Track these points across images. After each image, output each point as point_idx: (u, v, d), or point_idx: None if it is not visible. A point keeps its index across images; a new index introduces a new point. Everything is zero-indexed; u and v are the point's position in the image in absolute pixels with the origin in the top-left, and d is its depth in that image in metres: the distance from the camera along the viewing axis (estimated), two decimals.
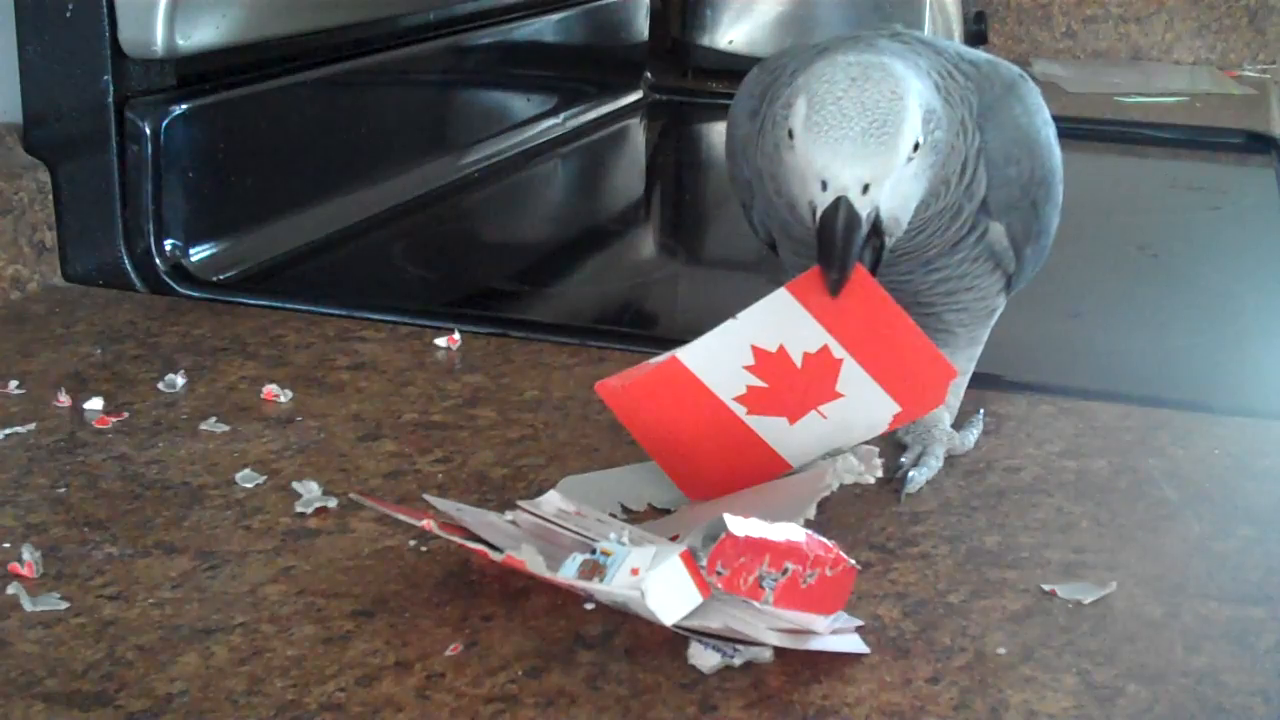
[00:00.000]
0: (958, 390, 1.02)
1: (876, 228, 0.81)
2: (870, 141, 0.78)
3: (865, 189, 0.79)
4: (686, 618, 0.73)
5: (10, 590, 0.79)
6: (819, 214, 0.80)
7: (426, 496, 0.89)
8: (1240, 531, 0.90)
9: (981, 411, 1.04)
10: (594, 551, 0.76)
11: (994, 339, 1.00)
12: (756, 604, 0.73)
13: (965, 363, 1.02)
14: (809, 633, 0.74)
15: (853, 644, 0.75)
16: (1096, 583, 0.83)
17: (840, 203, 0.79)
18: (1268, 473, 0.99)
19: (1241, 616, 0.80)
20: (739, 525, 0.73)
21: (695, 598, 0.72)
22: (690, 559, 0.72)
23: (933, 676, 0.73)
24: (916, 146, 0.80)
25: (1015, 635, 0.77)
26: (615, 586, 0.73)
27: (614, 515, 0.88)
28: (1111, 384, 1.16)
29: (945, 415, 0.99)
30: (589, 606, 0.79)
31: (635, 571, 0.73)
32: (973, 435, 1.01)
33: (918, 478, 0.94)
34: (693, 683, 0.72)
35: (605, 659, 0.74)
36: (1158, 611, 0.80)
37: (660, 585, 0.72)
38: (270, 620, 0.77)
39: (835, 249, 0.80)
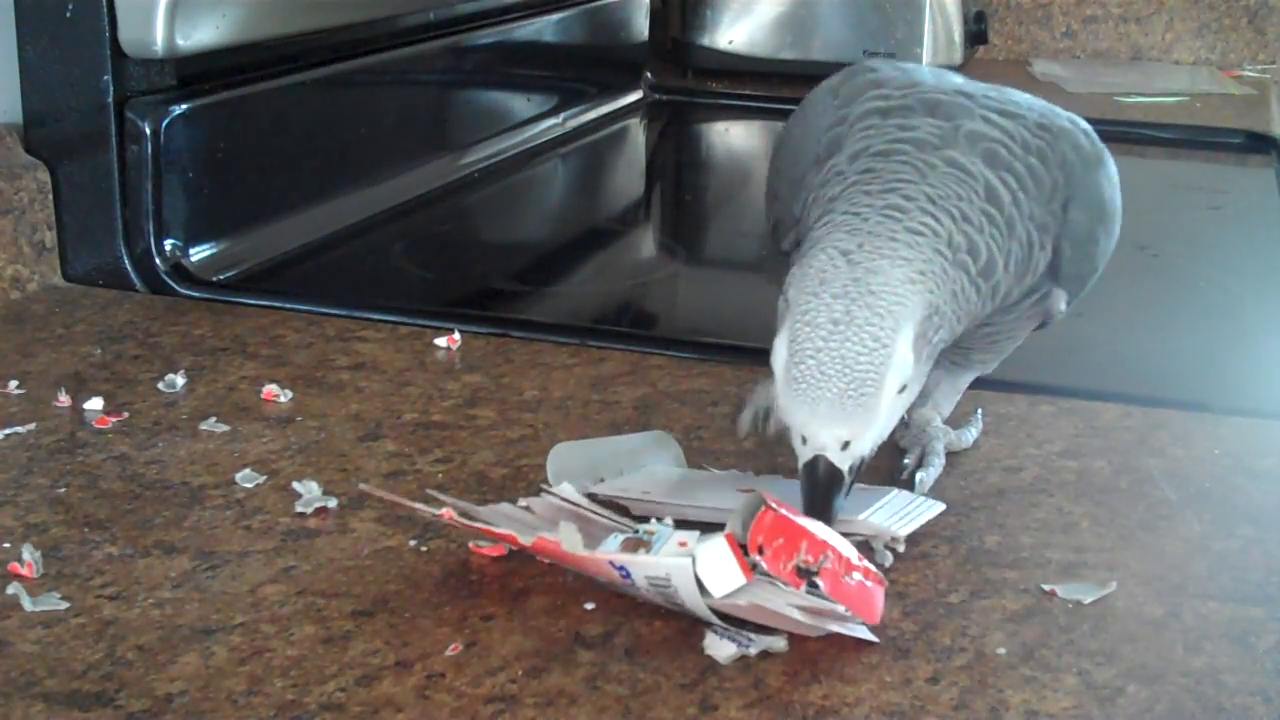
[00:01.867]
0: (951, 398, 1.02)
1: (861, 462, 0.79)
2: (849, 404, 0.76)
3: (845, 445, 0.77)
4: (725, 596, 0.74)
5: (10, 590, 0.79)
6: (800, 463, 0.79)
7: (433, 493, 0.89)
8: (1240, 531, 0.90)
9: (980, 411, 1.04)
10: (636, 531, 0.77)
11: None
12: (797, 590, 0.74)
13: (966, 381, 1.02)
14: (829, 614, 0.74)
15: (865, 632, 0.76)
16: (1096, 583, 0.83)
17: (819, 461, 0.78)
18: (1268, 473, 0.99)
19: (1241, 616, 0.80)
20: (777, 504, 0.75)
21: (739, 578, 0.73)
22: (734, 541, 0.74)
23: (933, 676, 0.73)
24: (904, 388, 0.78)
25: (1015, 635, 0.77)
26: (664, 556, 0.74)
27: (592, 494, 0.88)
28: (1111, 384, 1.16)
29: (934, 415, 0.99)
30: (589, 606, 0.79)
31: (683, 544, 0.74)
32: (971, 434, 1.01)
33: (926, 478, 0.94)
34: (693, 683, 0.72)
35: (605, 659, 0.74)
36: (1158, 611, 0.80)
37: (708, 558, 0.73)
38: (270, 620, 0.77)
39: (815, 501, 0.78)
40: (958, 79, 0.94)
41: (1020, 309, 0.92)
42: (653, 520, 0.79)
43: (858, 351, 0.76)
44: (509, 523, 0.82)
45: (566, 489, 0.84)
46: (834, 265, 0.78)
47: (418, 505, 0.85)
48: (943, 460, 0.96)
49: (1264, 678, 0.74)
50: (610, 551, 0.76)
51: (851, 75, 0.95)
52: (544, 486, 0.85)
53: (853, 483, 0.80)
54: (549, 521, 0.82)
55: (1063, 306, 0.93)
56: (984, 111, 0.88)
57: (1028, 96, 0.93)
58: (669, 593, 0.75)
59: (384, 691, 0.71)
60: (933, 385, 0.98)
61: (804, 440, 0.78)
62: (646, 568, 0.75)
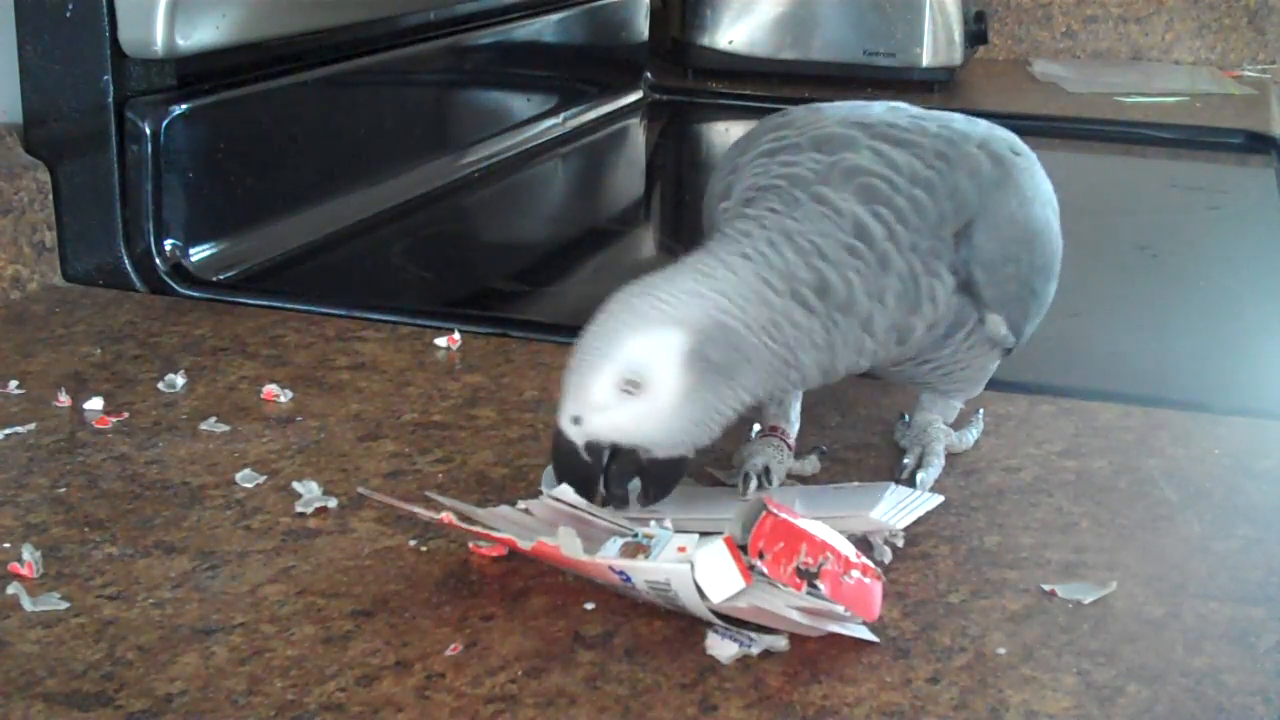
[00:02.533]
0: (952, 405, 1.01)
1: (627, 456, 0.82)
2: (575, 379, 0.82)
3: (577, 421, 0.82)
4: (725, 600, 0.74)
5: (10, 590, 0.79)
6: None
7: (432, 495, 0.89)
8: (1240, 531, 0.90)
9: (981, 411, 1.04)
10: (635, 535, 0.77)
11: None
12: (797, 592, 0.74)
13: (944, 405, 1.01)
14: (829, 615, 0.75)
15: (865, 632, 0.76)
16: (1096, 583, 0.83)
17: (557, 430, 0.83)
18: (1268, 473, 0.99)
19: (1241, 616, 0.80)
20: (777, 508, 0.75)
21: (739, 582, 0.74)
22: (733, 545, 0.74)
23: (933, 676, 0.73)
24: (636, 384, 0.81)
25: (1015, 635, 0.77)
26: (663, 561, 0.74)
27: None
28: (1111, 384, 1.16)
29: (937, 417, 0.99)
30: (589, 606, 0.79)
31: (683, 549, 0.75)
32: (972, 434, 1.02)
33: (925, 478, 0.94)
34: (693, 683, 0.72)
35: (605, 659, 0.74)
36: (1158, 611, 0.80)
37: (707, 563, 0.73)
38: (270, 620, 0.77)
39: (556, 469, 0.84)
40: (878, 109, 0.93)
41: (956, 340, 0.92)
42: (652, 523, 0.80)
43: (594, 343, 0.82)
44: (509, 527, 0.82)
45: (565, 491, 0.84)
46: (656, 273, 0.84)
47: (417, 509, 0.85)
48: (942, 461, 0.96)
49: (1264, 678, 0.74)
50: (610, 557, 0.76)
51: (764, 121, 0.97)
52: (545, 491, 0.85)
53: (616, 477, 0.82)
54: (548, 524, 0.82)
55: (1003, 331, 0.92)
56: (873, 144, 0.88)
57: (953, 125, 0.91)
58: (669, 596, 0.75)
59: (384, 691, 0.71)
60: (928, 404, 1.00)
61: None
62: (646, 573, 0.75)
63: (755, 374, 0.83)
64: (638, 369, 0.81)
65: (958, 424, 1.01)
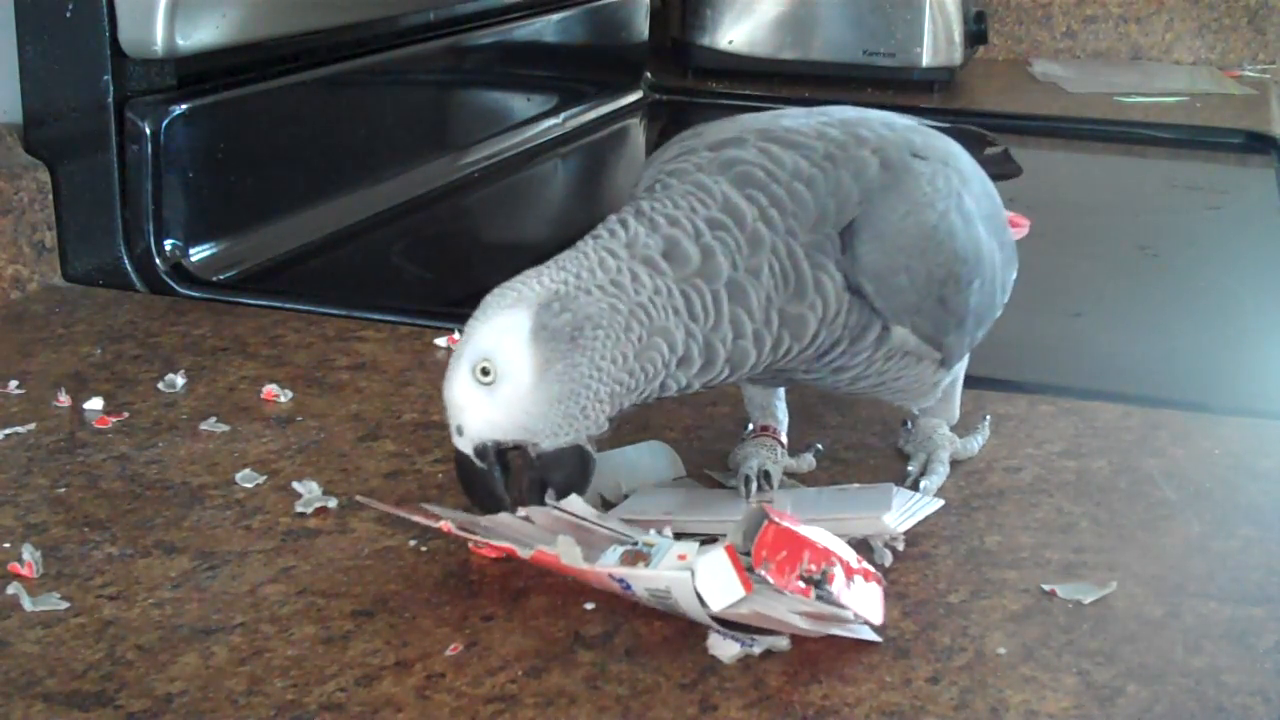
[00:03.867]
0: (952, 399, 1.00)
1: (521, 451, 0.82)
2: (452, 382, 0.82)
3: (460, 431, 0.82)
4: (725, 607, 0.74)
5: (10, 590, 0.79)
6: None
7: (428, 506, 0.89)
8: (1240, 531, 0.90)
9: (988, 418, 1.04)
10: (635, 544, 0.77)
11: (994, 339, 1.00)
12: (804, 598, 0.74)
13: (943, 389, 0.96)
14: (832, 618, 0.75)
15: (868, 633, 0.76)
16: (1096, 583, 0.83)
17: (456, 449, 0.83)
18: (1268, 473, 0.99)
19: (1241, 616, 0.80)
20: (779, 517, 0.75)
21: (739, 591, 0.73)
22: (734, 553, 0.74)
23: (933, 676, 0.73)
24: (486, 370, 0.80)
25: (1015, 635, 0.77)
26: (663, 569, 0.74)
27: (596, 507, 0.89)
28: (1111, 384, 1.16)
29: (940, 421, 0.99)
30: (589, 606, 0.79)
31: (683, 557, 0.74)
32: (977, 441, 1.01)
33: (929, 486, 0.93)
34: (693, 683, 0.72)
35: (605, 659, 0.74)
36: (1158, 611, 0.80)
37: (708, 571, 0.73)
38: (270, 620, 0.77)
39: (464, 489, 0.84)
40: (801, 119, 0.89)
41: (865, 347, 0.86)
42: (651, 531, 0.79)
43: (472, 347, 0.81)
44: (509, 535, 0.82)
45: (573, 502, 0.84)
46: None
47: (415, 518, 0.84)
48: (947, 468, 0.96)
49: (1264, 678, 0.74)
50: (610, 565, 0.76)
51: (679, 138, 0.93)
52: (549, 502, 0.85)
53: (517, 474, 0.82)
54: (549, 532, 0.82)
55: (913, 342, 0.87)
56: (762, 144, 0.86)
57: (860, 130, 0.87)
58: (669, 603, 0.75)
59: (384, 691, 0.71)
60: (927, 409, 0.98)
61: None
62: (646, 581, 0.75)
63: (608, 337, 0.80)
64: (484, 355, 0.80)
65: (963, 428, 1.01)
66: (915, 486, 0.94)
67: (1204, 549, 0.88)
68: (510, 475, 0.83)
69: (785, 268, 0.82)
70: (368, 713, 0.69)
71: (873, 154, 0.86)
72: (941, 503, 0.90)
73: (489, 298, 0.83)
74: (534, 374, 0.80)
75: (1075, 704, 0.71)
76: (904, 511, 0.88)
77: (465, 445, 0.82)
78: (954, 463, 0.98)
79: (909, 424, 1.02)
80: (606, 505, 0.90)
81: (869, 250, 0.83)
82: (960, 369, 0.99)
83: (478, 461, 0.82)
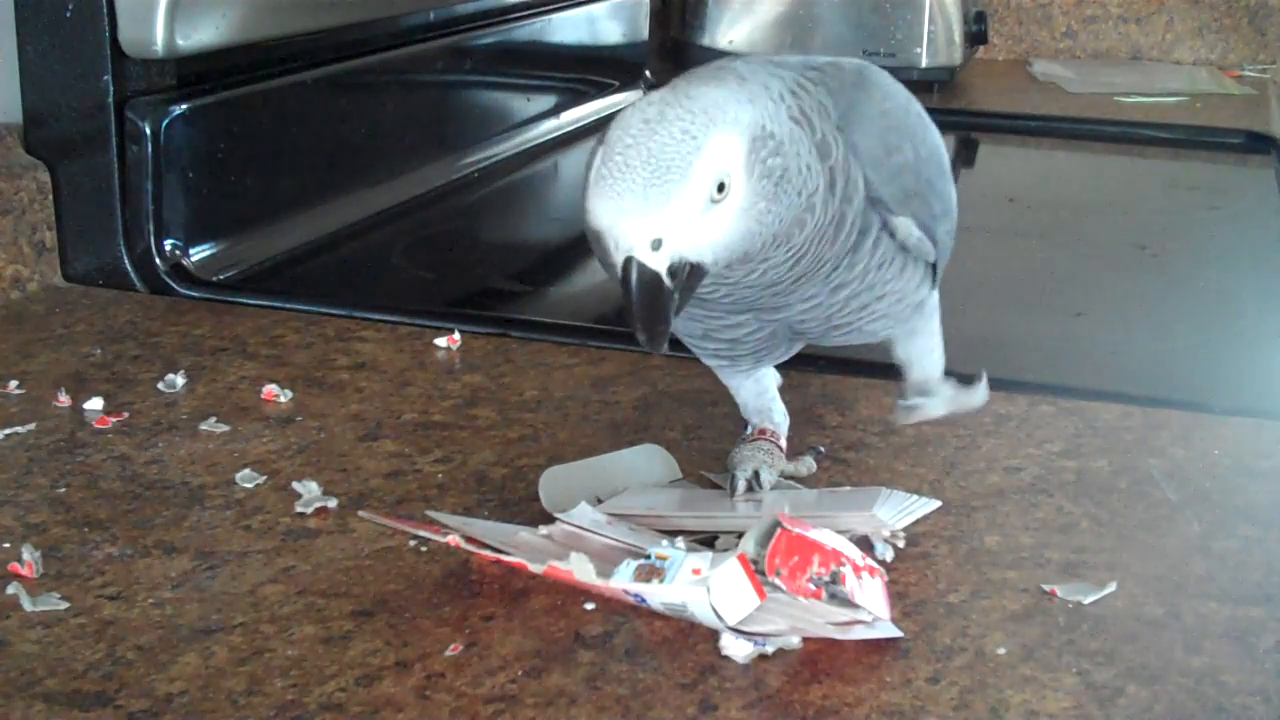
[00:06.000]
0: (930, 355, 0.97)
1: (696, 272, 0.75)
2: (653, 194, 0.72)
3: (657, 245, 0.73)
4: (752, 621, 0.74)
5: (10, 590, 0.79)
6: (617, 273, 0.74)
7: (435, 514, 0.89)
8: (1240, 531, 0.90)
9: (984, 373, 0.99)
10: (649, 556, 0.77)
11: (994, 339, 1.00)
12: (817, 601, 0.75)
13: (924, 344, 0.96)
14: (858, 623, 0.75)
15: (892, 629, 0.76)
16: (1096, 583, 0.83)
17: (630, 264, 0.73)
18: (1268, 473, 0.99)
19: (1241, 616, 0.80)
20: (791, 524, 0.75)
21: (754, 600, 0.73)
22: (746, 562, 0.74)
23: (933, 676, 0.73)
24: (723, 187, 0.74)
25: (1015, 635, 0.77)
26: (677, 586, 0.74)
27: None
28: (1111, 384, 1.16)
29: (935, 373, 0.97)
30: (589, 606, 0.79)
31: (697, 571, 0.74)
32: (980, 394, 0.98)
33: (928, 404, 0.94)
34: (693, 683, 0.72)
35: (605, 659, 0.74)
36: (1158, 611, 0.80)
37: (722, 585, 0.73)
38: (270, 620, 0.77)
39: (633, 313, 0.74)
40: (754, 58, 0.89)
41: (864, 254, 0.85)
42: (664, 542, 0.79)
43: (665, 143, 0.73)
44: (521, 549, 0.82)
45: (584, 513, 0.84)
46: (643, 100, 0.77)
47: (421, 531, 0.85)
48: (946, 402, 0.95)
49: (1264, 678, 0.74)
50: (625, 581, 0.76)
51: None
52: (559, 515, 0.85)
53: (681, 297, 0.75)
54: (567, 548, 0.81)
55: (915, 234, 0.86)
56: (751, 69, 0.83)
57: (796, 57, 0.88)
58: (685, 615, 0.75)
59: (384, 691, 0.71)
60: (912, 357, 0.96)
61: (615, 246, 0.74)
62: (662, 596, 0.75)
63: (790, 197, 0.77)
64: (724, 172, 0.74)
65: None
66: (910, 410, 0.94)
67: (1204, 549, 0.88)
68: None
69: (820, 153, 0.81)
70: (368, 713, 0.69)
71: (832, 65, 0.87)
72: (938, 503, 0.90)
73: (687, 101, 0.74)
74: (745, 203, 0.76)
75: (1075, 704, 0.71)
76: (901, 510, 0.88)
77: (661, 261, 0.73)
78: (950, 455, 0.97)
79: (902, 400, 0.99)
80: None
81: (863, 137, 0.83)
82: (933, 343, 0.97)
83: (668, 280, 0.73)
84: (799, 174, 0.78)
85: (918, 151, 0.86)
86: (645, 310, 0.74)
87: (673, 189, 0.72)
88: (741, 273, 0.80)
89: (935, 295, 0.95)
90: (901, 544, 0.86)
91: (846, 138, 0.82)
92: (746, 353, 0.91)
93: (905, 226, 0.86)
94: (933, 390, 0.97)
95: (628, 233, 0.73)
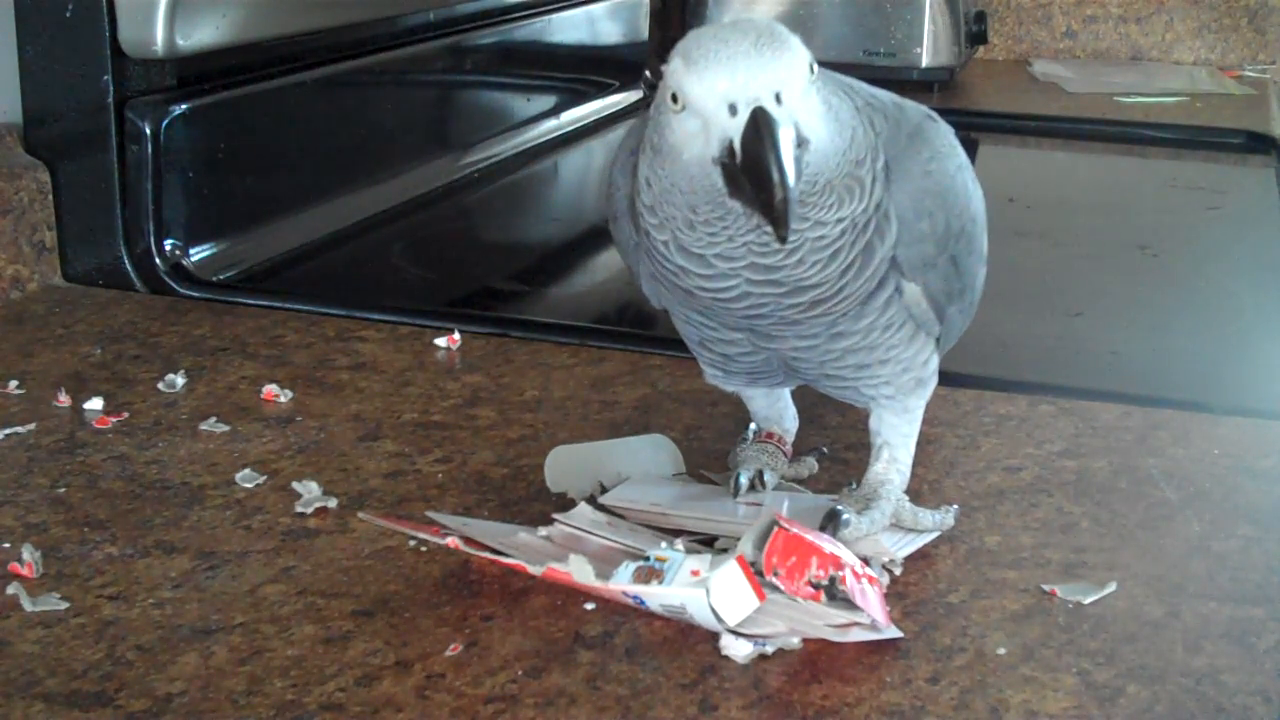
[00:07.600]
0: (904, 443, 0.90)
1: (806, 150, 0.73)
2: (765, 50, 0.72)
3: (778, 98, 0.71)
4: (752, 623, 0.74)
5: (10, 590, 0.79)
6: (738, 141, 0.71)
7: (435, 514, 0.89)
8: (1240, 531, 0.90)
9: (955, 507, 0.90)
10: (647, 558, 0.77)
11: (994, 339, 1.00)
12: (816, 603, 0.75)
13: (902, 431, 0.90)
14: (859, 625, 0.75)
15: (894, 631, 0.76)
16: (1096, 583, 0.83)
17: (759, 114, 0.70)
18: (1268, 473, 0.99)
19: (1241, 616, 0.80)
20: (788, 524, 0.75)
21: (753, 601, 0.74)
22: (745, 564, 0.74)
23: (933, 676, 0.73)
24: (813, 69, 0.74)
25: (1015, 635, 0.77)
26: (676, 587, 0.74)
27: (594, 495, 0.90)
28: (1111, 384, 1.16)
29: (895, 476, 0.89)
30: (589, 606, 0.79)
31: (696, 573, 0.75)
32: (933, 517, 0.89)
33: (856, 523, 0.84)
34: (693, 683, 0.72)
35: (605, 659, 0.74)
36: (1158, 611, 0.80)
37: (722, 587, 0.73)
38: (270, 620, 0.77)
39: (767, 165, 0.70)
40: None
41: (874, 310, 0.83)
42: (663, 544, 0.79)
43: (757, 25, 0.73)
44: (520, 551, 0.82)
45: (583, 514, 0.84)
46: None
47: (421, 534, 0.85)
48: (885, 518, 0.86)
49: (1264, 678, 0.74)
50: (623, 583, 0.76)
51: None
52: (557, 517, 0.85)
53: (799, 161, 0.72)
54: (565, 548, 0.82)
55: (923, 305, 0.84)
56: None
57: (880, 93, 0.87)
58: (685, 617, 0.75)
59: (384, 691, 0.71)
60: (875, 426, 0.90)
61: (733, 110, 0.71)
62: (661, 598, 0.75)
63: (847, 132, 0.76)
64: (810, 57, 0.74)
65: (965, 428, 0.99)
66: (832, 522, 0.83)
67: (1204, 549, 0.88)
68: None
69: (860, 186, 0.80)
70: (368, 713, 0.69)
71: (895, 107, 0.84)
72: (939, 532, 0.89)
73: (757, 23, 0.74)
74: (824, 106, 0.75)
75: (1075, 704, 0.71)
76: (905, 540, 0.87)
77: (788, 117, 0.71)
78: (950, 455, 0.97)
79: (852, 484, 0.91)
80: (604, 492, 0.90)
81: (901, 189, 0.81)
82: (910, 433, 0.91)
83: (791, 144, 0.71)
84: (851, 126, 0.78)
85: (949, 224, 0.83)
86: (782, 161, 0.70)
87: (783, 49, 0.72)
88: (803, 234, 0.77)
89: (934, 382, 0.90)
90: (899, 571, 0.84)
91: (889, 187, 0.81)
92: (740, 371, 0.90)
93: (913, 293, 0.84)
94: (882, 496, 0.87)
95: (750, 85, 0.71)
